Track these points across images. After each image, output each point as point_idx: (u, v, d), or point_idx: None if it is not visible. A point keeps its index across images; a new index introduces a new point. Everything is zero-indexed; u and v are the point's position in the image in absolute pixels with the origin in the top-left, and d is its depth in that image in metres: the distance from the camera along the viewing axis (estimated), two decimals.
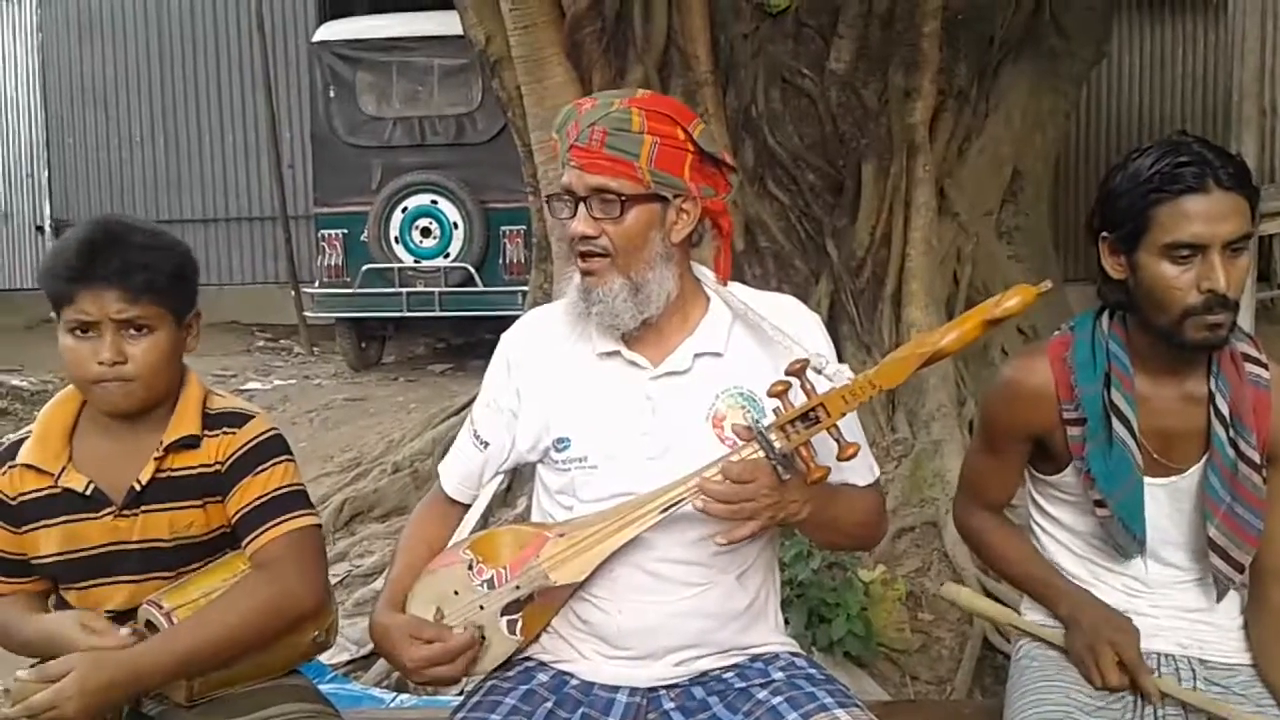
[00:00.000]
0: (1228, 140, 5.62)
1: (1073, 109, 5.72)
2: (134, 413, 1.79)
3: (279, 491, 1.81)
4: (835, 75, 4.36)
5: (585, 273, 1.78)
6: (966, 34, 4.61)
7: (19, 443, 1.83)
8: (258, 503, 1.79)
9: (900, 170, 4.45)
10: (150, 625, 1.73)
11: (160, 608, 1.72)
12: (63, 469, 1.79)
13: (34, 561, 1.82)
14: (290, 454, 1.86)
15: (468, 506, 1.98)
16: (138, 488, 1.78)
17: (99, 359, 1.73)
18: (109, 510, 1.78)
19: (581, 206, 1.75)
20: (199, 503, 1.81)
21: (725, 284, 1.86)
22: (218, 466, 1.81)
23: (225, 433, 1.82)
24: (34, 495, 1.80)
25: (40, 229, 11.60)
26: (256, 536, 1.78)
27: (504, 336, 1.94)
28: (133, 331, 1.75)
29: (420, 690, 3.21)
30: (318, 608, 1.82)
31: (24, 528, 1.80)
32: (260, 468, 1.81)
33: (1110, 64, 8.95)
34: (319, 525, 1.87)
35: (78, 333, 1.74)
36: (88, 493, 1.78)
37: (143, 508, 1.79)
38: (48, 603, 1.87)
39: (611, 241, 1.74)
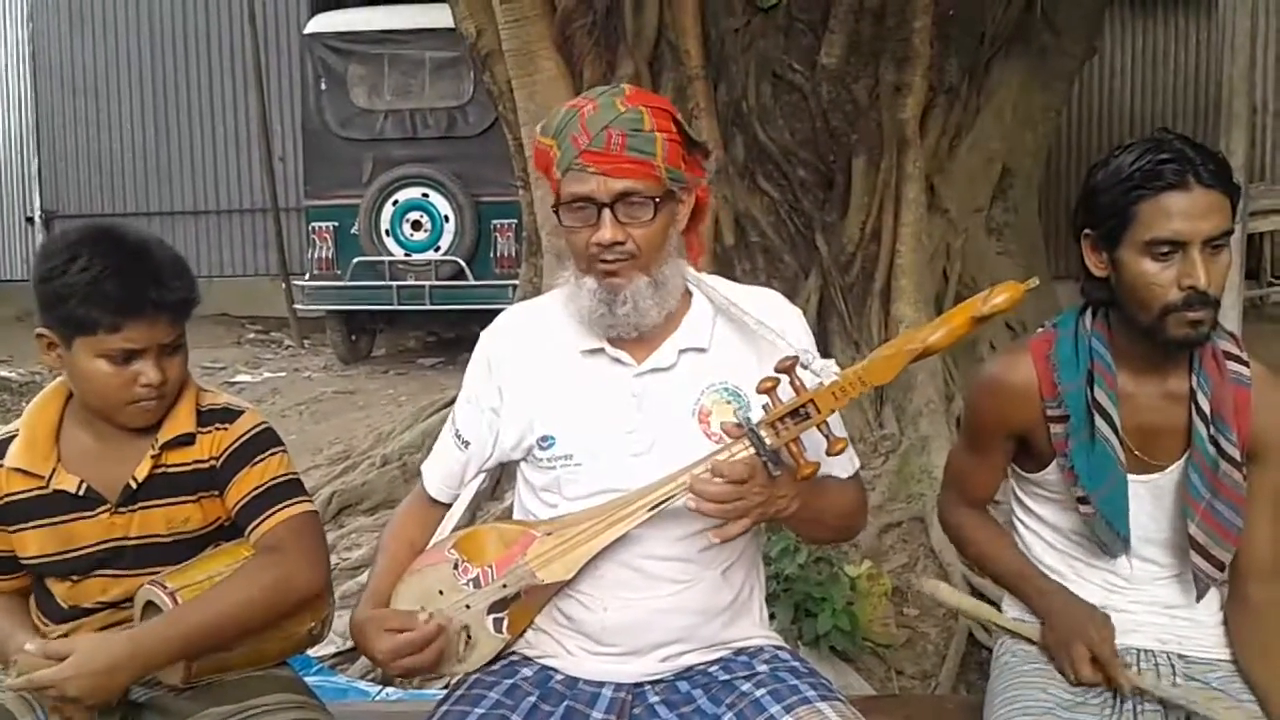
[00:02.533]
0: (1217, 138, 5.63)
1: (1063, 106, 5.73)
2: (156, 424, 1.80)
3: (276, 481, 1.83)
4: (826, 70, 4.37)
5: (609, 275, 1.74)
6: (957, 30, 4.61)
7: (4, 444, 1.82)
8: (257, 492, 1.81)
9: (890, 166, 4.45)
10: (151, 606, 1.74)
11: (165, 588, 1.73)
12: (53, 471, 1.79)
13: (23, 560, 1.82)
14: (283, 445, 1.88)
15: (449, 506, 1.98)
16: (134, 485, 1.78)
17: (143, 382, 1.73)
18: (104, 509, 1.79)
19: (606, 212, 1.71)
20: (194, 498, 1.83)
21: (698, 265, 1.87)
22: (212, 462, 1.82)
23: (218, 428, 1.83)
24: (22, 496, 1.80)
25: (30, 220, 11.58)
26: (259, 524, 1.80)
27: (484, 334, 1.92)
28: (170, 351, 1.77)
29: (406, 684, 3.21)
30: (320, 590, 1.85)
31: (12, 527, 1.81)
32: (256, 460, 1.83)
33: (1101, 61, 8.98)
34: (317, 512, 1.89)
35: (116, 360, 1.72)
36: (80, 493, 1.78)
37: (139, 504, 1.80)
38: (28, 600, 1.87)
39: (638, 244, 1.72)
